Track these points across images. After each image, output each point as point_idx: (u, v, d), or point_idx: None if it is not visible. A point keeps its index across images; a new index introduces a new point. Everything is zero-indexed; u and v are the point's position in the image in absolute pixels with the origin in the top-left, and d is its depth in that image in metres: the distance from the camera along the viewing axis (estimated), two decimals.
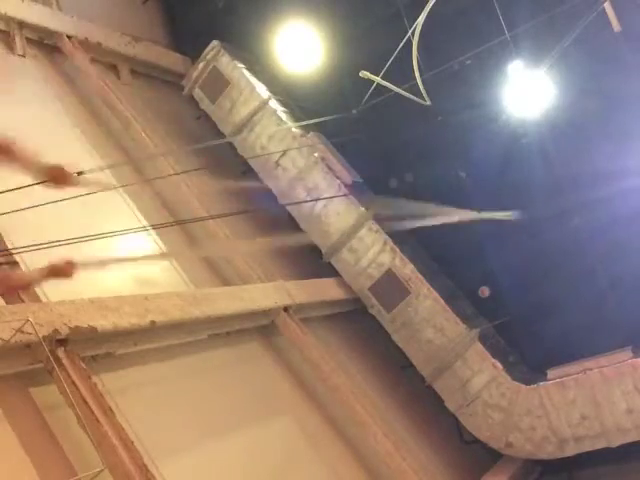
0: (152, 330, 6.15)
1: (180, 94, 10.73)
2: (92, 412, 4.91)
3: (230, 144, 10.17)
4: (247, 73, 10.38)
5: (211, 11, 11.57)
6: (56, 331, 5.08)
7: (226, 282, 8.30)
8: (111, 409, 5.08)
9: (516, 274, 9.80)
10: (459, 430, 9.43)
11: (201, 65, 10.47)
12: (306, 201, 9.62)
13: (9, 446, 4.64)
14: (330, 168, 9.78)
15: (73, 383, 4.97)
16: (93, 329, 5.40)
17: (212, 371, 7.04)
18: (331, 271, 9.84)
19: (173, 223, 7.97)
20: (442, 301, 9.26)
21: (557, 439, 8.59)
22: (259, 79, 10.55)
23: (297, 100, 11.10)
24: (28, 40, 8.82)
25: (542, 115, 9.62)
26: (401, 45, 8.79)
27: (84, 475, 4.73)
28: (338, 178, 9.74)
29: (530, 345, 9.71)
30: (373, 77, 9.04)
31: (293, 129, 10.06)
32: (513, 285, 9.86)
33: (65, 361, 5.06)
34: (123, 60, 10.38)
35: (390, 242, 9.50)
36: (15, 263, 5.52)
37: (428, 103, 9.32)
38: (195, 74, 10.53)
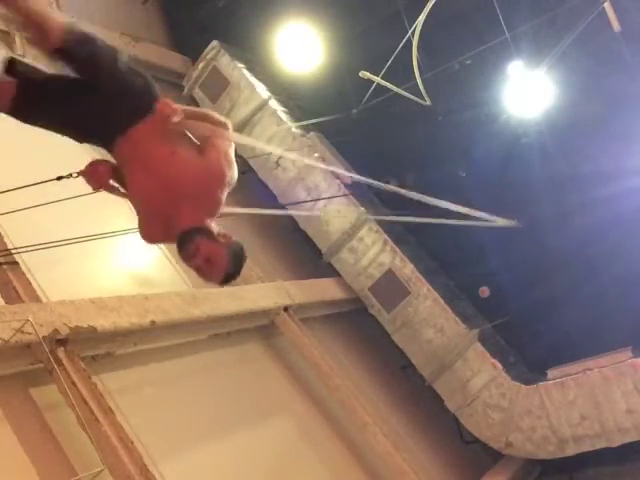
0: (152, 330, 6.14)
1: (180, 94, 10.73)
2: (92, 412, 4.91)
3: None
4: (247, 73, 10.38)
5: (211, 11, 11.56)
6: (56, 331, 5.07)
7: None
8: (111, 409, 5.07)
9: (516, 274, 9.80)
10: (459, 430, 9.43)
11: (201, 65, 10.47)
12: (306, 201, 9.63)
13: (9, 446, 4.63)
14: None
15: (73, 383, 4.96)
16: (93, 329, 5.39)
17: (212, 371, 7.04)
18: (331, 271, 9.84)
19: None
20: (442, 301, 9.26)
21: (557, 439, 8.59)
22: (259, 79, 10.55)
23: (297, 100, 11.10)
24: (28, 40, 8.81)
25: (542, 115, 9.62)
26: (401, 45, 8.79)
27: (84, 475, 4.73)
28: (338, 178, 9.75)
29: (530, 345, 9.72)
30: (373, 77, 9.04)
31: (293, 129, 10.07)
32: (513, 285, 9.86)
33: (65, 361, 5.05)
34: None
35: (390, 242, 9.50)
36: (15, 263, 5.51)
37: (428, 103, 9.33)
38: (195, 74, 10.53)
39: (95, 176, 3.03)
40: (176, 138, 2.91)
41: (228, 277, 2.87)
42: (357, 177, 5.76)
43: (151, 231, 3.00)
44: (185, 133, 2.97)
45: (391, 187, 5.27)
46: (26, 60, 3.09)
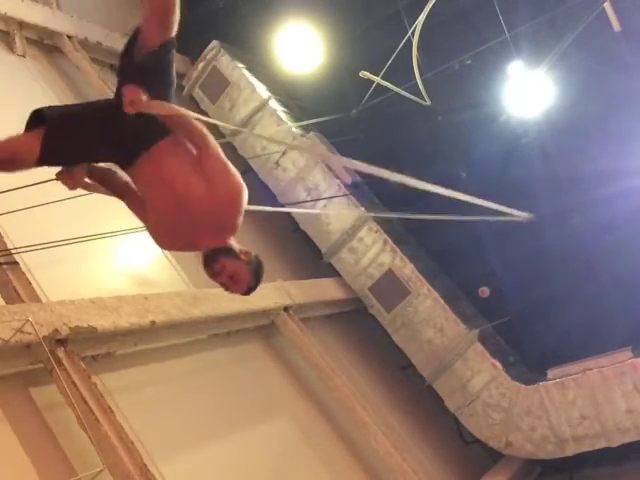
0: (152, 330, 6.15)
1: (180, 94, 10.73)
2: (92, 412, 4.91)
3: (230, 144, 10.17)
4: (247, 73, 10.38)
5: (211, 11, 11.56)
6: (56, 331, 5.08)
7: None
8: (111, 409, 5.08)
9: (516, 274, 9.80)
10: (459, 430, 9.43)
11: (201, 65, 10.47)
12: (306, 201, 9.63)
13: (9, 446, 4.64)
14: (330, 168, 9.78)
15: (73, 383, 4.97)
16: (93, 329, 5.40)
17: (212, 371, 7.05)
18: (331, 271, 9.84)
19: None
20: (442, 301, 9.26)
21: (557, 439, 8.59)
22: (259, 79, 10.55)
23: (297, 100, 11.10)
24: (28, 40, 8.82)
25: (542, 115, 9.62)
26: (401, 45, 8.79)
27: (84, 475, 4.73)
28: (338, 178, 9.75)
29: (530, 345, 9.72)
30: (373, 77, 9.04)
31: (293, 129, 10.06)
32: (513, 285, 9.86)
33: (65, 361, 5.06)
34: None
35: (390, 242, 9.50)
36: (15, 263, 5.52)
37: (428, 103, 9.33)
38: (195, 74, 10.52)
39: (69, 176, 3.14)
40: (186, 158, 2.97)
41: (250, 290, 3.07)
42: (364, 167, 5.68)
43: (168, 242, 3.16)
44: (188, 149, 3.00)
45: (401, 177, 5.19)
46: (52, 105, 3.10)
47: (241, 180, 2.97)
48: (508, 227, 9.40)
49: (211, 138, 3.00)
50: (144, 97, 2.83)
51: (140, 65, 2.96)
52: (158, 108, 2.87)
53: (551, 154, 9.91)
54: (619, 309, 9.10)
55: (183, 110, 2.96)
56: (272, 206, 9.71)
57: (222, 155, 2.99)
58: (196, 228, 2.96)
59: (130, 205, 3.25)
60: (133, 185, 3.19)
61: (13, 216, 4.86)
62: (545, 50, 8.34)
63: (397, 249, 9.47)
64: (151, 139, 2.97)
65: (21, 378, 5.08)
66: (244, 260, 2.98)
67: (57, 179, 3.16)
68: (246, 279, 3.00)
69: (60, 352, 5.08)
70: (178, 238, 3.06)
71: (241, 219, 3.00)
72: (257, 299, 7.80)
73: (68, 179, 3.15)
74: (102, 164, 3.26)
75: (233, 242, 3.02)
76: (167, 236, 3.09)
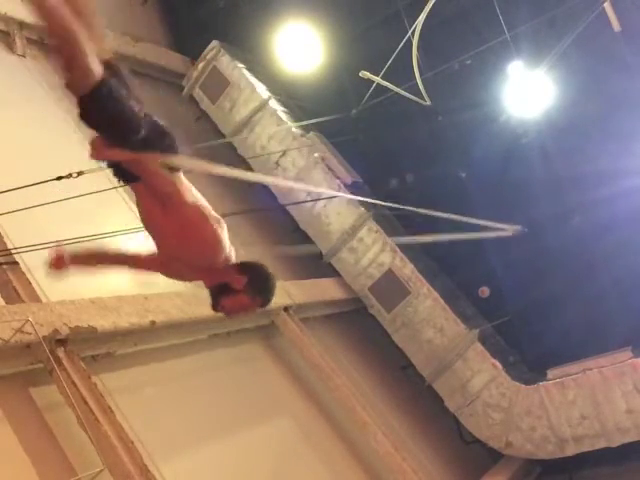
0: (152, 330, 6.14)
1: (180, 94, 10.73)
2: (92, 412, 4.91)
3: (230, 144, 10.17)
4: (247, 73, 10.38)
5: (211, 11, 11.57)
6: (56, 331, 5.08)
7: None
8: (111, 409, 5.08)
9: (516, 274, 9.80)
10: (459, 430, 9.44)
11: (201, 65, 10.47)
12: (306, 201, 9.63)
13: (9, 446, 4.63)
14: (330, 168, 9.78)
15: (73, 383, 4.97)
16: (93, 329, 5.40)
17: (212, 371, 7.04)
18: (331, 271, 9.84)
19: None
20: (442, 301, 9.27)
21: (557, 439, 8.60)
22: (259, 79, 10.55)
23: (297, 100, 11.10)
24: (28, 40, 8.81)
25: (542, 115, 9.62)
26: (401, 45, 8.80)
27: (84, 475, 4.73)
28: (338, 178, 9.75)
29: (530, 345, 9.72)
30: (373, 77, 9.04)
31: (293, 129, 10.07)
32: (513, 285, 9.86)
33: (65, 361, 5.06)
34: (123, 60, 10.32)
35: (390, 242, 9.50)
36: (15, 263, 5.51)
37: (428, 103, 9.33)
38: (195, 74, 10.53)
39: (55, 263, 3.31)
40: (160, 205, 2.88)
41: (264, 305, 3.07)
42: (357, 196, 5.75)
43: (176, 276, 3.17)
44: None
45: (397, 205, 5.26)
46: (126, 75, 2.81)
47: (214, 225, 2.85)
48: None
49: (179, 187, 2.83)
50: (106, 147, 2.69)
51: (90, 112, 2.65)
52: (121, 156, 2.74)
53: (551, 154, 9.91)
54: (619, 309, 9.11)
55: (149, 158, 2.72)
56: (272, 206, 9.73)
57: (192, 199, 2.86)
58: (185, 268, 3.01)
59: (131, 269, 3.30)
60: (126, 254, 3.28)
61: (13, 216, 4.85)
62: (545, 50, 8.34)
63: (397, 249, 9.48)
64: (133, 178, 2.89)
65: (21, 378, 5.08)
66: (241, 289, 2.96)
67: (47, 266, 3.28)
68: (251, 305, 3.01)
69: (60, 352, 5.08)
70: (179, 273, 3.10)
71: (225, 255, 2.95)
72: None
73: (53, 265, 3.25)
74: (91, 245, 3.35)
75: (227, 265, 2.99)
76: (171, 272, 3.13)
